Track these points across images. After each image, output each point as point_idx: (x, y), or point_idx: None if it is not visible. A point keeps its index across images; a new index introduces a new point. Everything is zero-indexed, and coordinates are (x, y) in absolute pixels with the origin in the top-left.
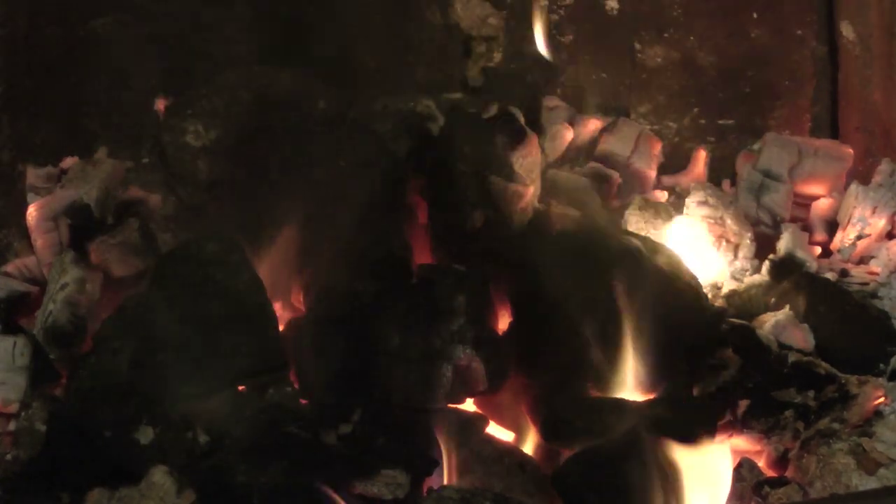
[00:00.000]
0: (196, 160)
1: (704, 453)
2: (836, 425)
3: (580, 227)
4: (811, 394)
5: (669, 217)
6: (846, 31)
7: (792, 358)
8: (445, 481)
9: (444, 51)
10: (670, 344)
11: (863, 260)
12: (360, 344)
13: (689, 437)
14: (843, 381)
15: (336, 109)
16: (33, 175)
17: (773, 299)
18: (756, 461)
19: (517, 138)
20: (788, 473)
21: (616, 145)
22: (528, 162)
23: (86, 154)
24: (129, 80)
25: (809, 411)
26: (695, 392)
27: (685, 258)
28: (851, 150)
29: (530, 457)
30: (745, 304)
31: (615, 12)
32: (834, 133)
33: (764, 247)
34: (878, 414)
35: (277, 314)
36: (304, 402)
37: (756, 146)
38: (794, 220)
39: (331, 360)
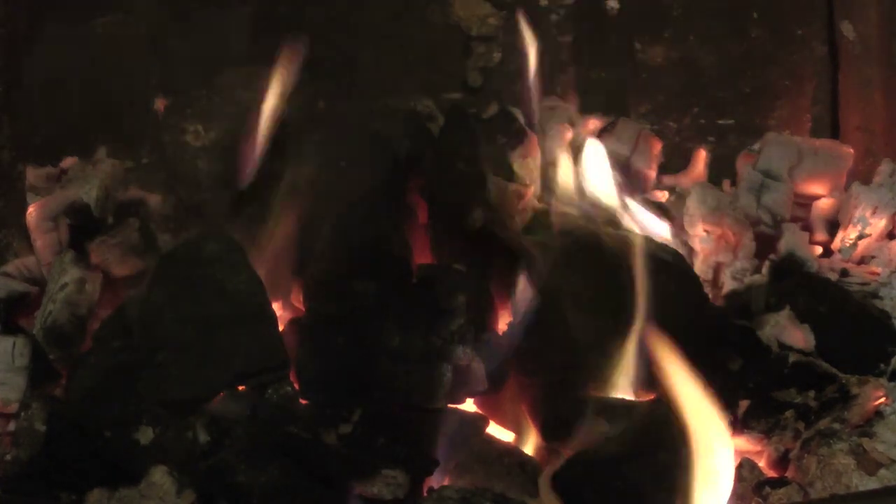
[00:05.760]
0: (196, 160)
1: (705, 453)
2: (836, 425)
3: (580, 226)
4: (811, 394)
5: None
6: (846, 31)
7: (792, 358)
8: (445, 481)
9: (444, 51)
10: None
11: (863, 260)
12: (360, 344)
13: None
14: (843, 381)
15: (336, 109)
16: (33, 175)
17: (773, 299)
18: (756, 461)
19: (517, 138)
20: (789, 474)
21: (616, 145)
22: (528, 162)
23: (86, 154)
24: (129, 80)
25: (810, 411)
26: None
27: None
28: (852, 150)
29: (530, 457)
30: (745, 304)
31: (615, 12)
32: (834, 133)
33: (764, 247)
34: (878, 414)
35: (277, 314)
36: (304, 402)
37: (756, 146)
38: (794, 219)
39: (331, 360)
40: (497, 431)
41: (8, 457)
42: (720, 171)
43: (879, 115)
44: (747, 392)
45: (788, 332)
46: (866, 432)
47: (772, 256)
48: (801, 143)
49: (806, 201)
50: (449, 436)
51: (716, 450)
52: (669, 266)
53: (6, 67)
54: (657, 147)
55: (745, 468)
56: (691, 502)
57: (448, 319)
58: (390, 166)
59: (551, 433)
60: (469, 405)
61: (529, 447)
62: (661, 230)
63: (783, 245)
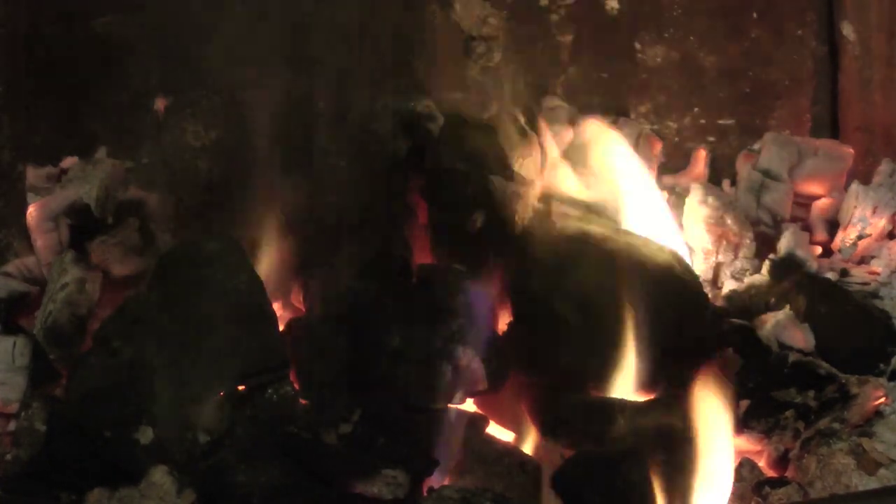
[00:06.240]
0: (196, 160)
1: (705, 453)
2: (836, 425)
3: (580, 226)
4: (811, 394)
5: None
6: (846, 31)
7: (792, 358)
8: (446, 481)
9: (444, 51)
10: (670, 344)
11: (863, 260)
12: (360, 344)
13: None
14: (843, 381)
15: (336, 109)
16: (33, 175)
17: (773, 299)
18: (756, 461)
19: (517, 138)
20: (788, 473)
21: None
22: (528, 162)
23: (86, 154)
24: (129, 80)
25: (810, 411)
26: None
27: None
28: (851, 150)
29: (530, 457)
30: (745, 304)
31: (615, 12)
32: (834, 133)
33: (764, 247)
34: (878, 414)
35: (277, 314)
36: (304, 402)
37: (756, 146)
38: (794, 219)
39: (331, 360)
40: (497, 431)
41: (8, 457)
42: (720, 171)
43: (879, 115)
44: (747, 392)
45: (788, 332)
46: (866, 432)
47: (772, 256)
48: (801, 143)
49: (806, 201)
50: (449, 436)
51: (715, 449)
52: (669, 265)
53: (6, 67)
54: (657, 147)
55: (745, 468)
56: (691, 502)
57: (448, 319)
58: (390, 166)
59: (551, 433)
60: (469, 405)
61: (529, 447)
62: (663, 228)
63: (783, 245)
